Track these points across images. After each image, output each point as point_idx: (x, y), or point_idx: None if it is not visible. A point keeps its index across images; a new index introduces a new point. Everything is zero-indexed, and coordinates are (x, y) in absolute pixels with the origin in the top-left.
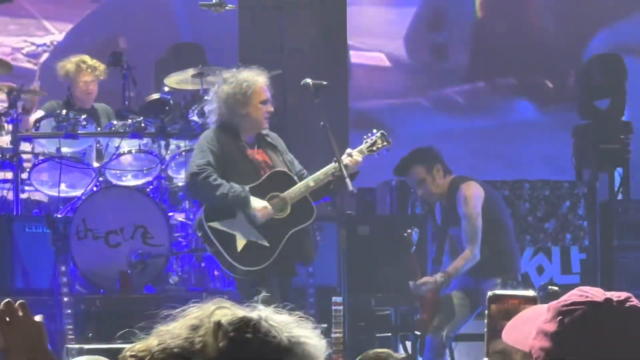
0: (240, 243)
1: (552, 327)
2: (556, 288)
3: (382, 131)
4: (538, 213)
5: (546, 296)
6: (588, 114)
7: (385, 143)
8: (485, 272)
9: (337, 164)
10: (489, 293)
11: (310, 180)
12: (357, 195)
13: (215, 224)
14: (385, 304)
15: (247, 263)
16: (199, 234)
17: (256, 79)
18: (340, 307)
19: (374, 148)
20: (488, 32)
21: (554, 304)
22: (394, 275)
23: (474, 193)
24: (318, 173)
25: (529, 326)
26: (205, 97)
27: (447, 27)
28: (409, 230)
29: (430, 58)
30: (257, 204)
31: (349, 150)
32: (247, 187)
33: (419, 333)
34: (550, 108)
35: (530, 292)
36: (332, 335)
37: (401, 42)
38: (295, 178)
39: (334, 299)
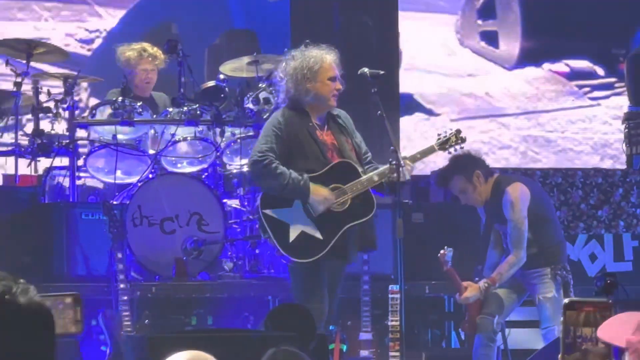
0: (293, 233)
1: None
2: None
3: (457, 128)
4: (591, 200)
5: (604, 287)
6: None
7: (459, 141)
8: (533, 264)
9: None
10: (565, 300)
11: (374, 175)
12: (410, 182)
13: (269, 212)
14: (439, 291)
15: (297, 254)
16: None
17: (325, 56)
18: (397, 296)
19: (447, 145)
20: (537, 17)
21: None
22: None
23: (520, 197)
24: (383, 168)
25: (627, 324)
26: (260, 85)
27: (497, 13)
28: (443, 251)
29: (481, 44)
30: (319, 192)
31: (404, 156)
32: (306, 176)
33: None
34: (600, 94)
35: (606, 299)
36: (389, 322)
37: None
38: (360, 170)
39: (390, 287)
